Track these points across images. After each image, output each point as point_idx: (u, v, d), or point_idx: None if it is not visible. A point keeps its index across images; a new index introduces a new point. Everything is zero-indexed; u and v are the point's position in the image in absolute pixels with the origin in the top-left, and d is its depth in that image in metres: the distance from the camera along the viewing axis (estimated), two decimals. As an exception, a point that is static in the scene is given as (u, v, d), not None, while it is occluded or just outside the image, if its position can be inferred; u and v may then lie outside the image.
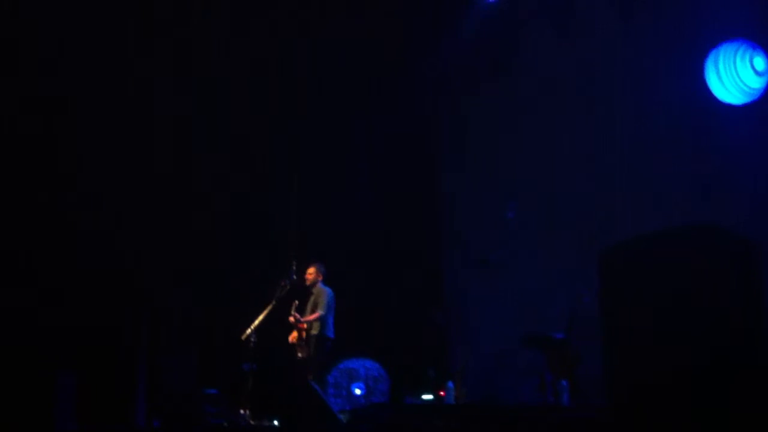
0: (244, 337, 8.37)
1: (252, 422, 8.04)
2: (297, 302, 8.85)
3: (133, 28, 9.31)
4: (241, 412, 8.22)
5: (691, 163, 8.27)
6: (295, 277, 8.81)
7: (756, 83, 7.87)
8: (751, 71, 7.88)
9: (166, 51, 9.53)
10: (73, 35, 8.99)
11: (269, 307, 8.45)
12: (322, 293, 8.86)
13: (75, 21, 9.00)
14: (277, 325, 8.78)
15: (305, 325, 8.72)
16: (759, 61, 7.83)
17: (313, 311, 8.78)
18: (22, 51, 8.85)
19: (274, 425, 7.99)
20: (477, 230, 10.11)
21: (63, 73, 9.00)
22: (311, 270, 8.99)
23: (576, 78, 9.55)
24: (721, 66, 8.05)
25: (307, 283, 8.97)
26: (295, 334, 8.82)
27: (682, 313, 3.44)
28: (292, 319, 8.72)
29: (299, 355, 8.78)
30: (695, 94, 8.26)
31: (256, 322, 8.37)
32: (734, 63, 7.98)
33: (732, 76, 8.00)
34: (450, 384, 8.64)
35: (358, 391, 9.59)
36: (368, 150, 11.49)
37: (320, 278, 9.02)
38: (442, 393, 8.79)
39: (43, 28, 8.92)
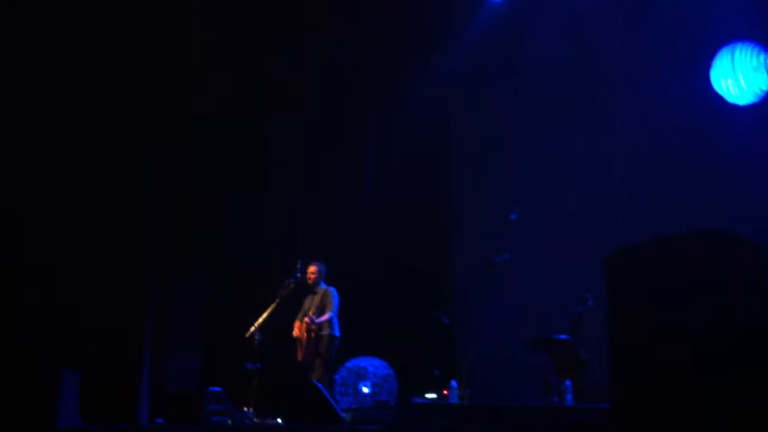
0: (248, 335, 8.38)
1: (256, 420, 8.04)
2: (308, 308, 8.91)
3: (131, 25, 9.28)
4: (245, 410, 8.23)
5: (696, 165, 8.23)
6: (299, 275, 8.82)
7: (765, 85, 7.84)
8: (765, 73, 7.84)
9: (165, 50, 9.50)
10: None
11: (273, 306, 8.46)
12: (329, 294, 8.89)
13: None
14: (282, 324, 8.79)
15: (315, 327, 8.74)
16: (771, 64, 7.80)
17: (320, 311, 8.79)
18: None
19: (278, 424, 7.98)
20: (482, 231, 10.08)
21: (63, 74, 8.97)
22: (313, 269, 8.99)
23: (581, 80, 9.52)
24: (737, 65, 7.99)
25: (310, 282, 8.99)
26: (298, 326, 8.84)
27: (689, 317, 3.42)
28: (307, 320, 8.73)
29: (300, 356, 8.80)
30: (701, 96, 8.22)
31: (260, 320, 8.38)
32: (750, 63, 7.94)
33: (747, 77, 7.95)
34: (454, 383, 8.63)
35: (365, 390, 9.59)
36: (373, 150, 11.48)
37: (322, 277, 9.03)
38: (445, 392, 8.79)
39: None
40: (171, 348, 9.58)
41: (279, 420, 8.03)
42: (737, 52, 8.05)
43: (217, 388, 8.78)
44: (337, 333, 8.81)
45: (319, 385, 7.78)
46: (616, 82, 9.17)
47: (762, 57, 7.91)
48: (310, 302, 8.97)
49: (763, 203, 7.52)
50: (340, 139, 11.12)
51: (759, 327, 3.35)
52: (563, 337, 8.15)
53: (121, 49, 9.12)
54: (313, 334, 8.73)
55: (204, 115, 9.95)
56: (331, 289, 8.94)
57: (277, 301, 8.52)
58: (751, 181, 7.72)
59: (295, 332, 8.88)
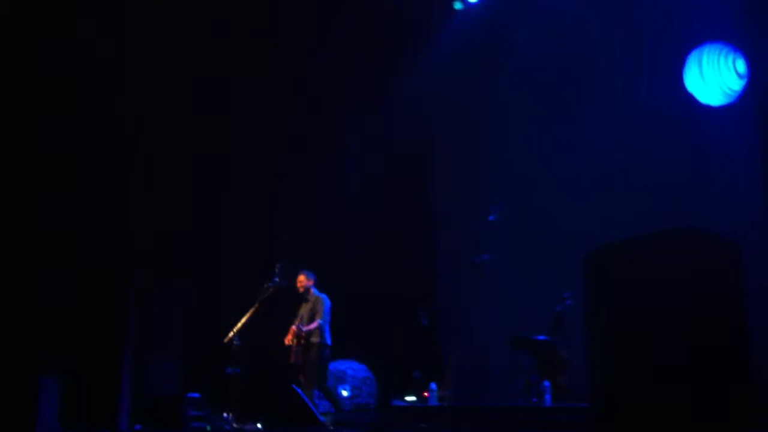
0: (226, 340, 8.33)
1: (236, 426, 8.01)
2: (303, 315, 8.86)
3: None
4: (225, 415, 8.19)
5: (672, 164, 8.32)
6: (277, 279, 8.74)
7: (736, 85, 7.94)
8: (734, 73, 7.95)
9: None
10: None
11: (252, 310, 8.42)
12: (320, 301, 8.76)
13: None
14: (262, 328, 8.74)
15: (304, 334, 8.67)
16: (741, 64, 7.90)
17: (311, 319, 8.72)
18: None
19: (258, 428, 7.96)
20: (466, 232, 10.12)
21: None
22: (301, 278, 8.88)
23: (560, 81, 9.61)
24: (705, 66, 8.11)
25: (300, 290, 8.89)
26: (291, 336, 8.77)
27: (667, 314, 3.46)
28: (294, 328, 8.66)
29: (292, 359, 8.73)
30: (678, 97, 8.32)
31: (239, 324, 8.33)
32: (718, 64, 8.05)
33: (715, 77, 8.07)
34: (433, 385, 8.65)
35: (344, 393, 9.57)
36: (360, 152, 11.51)
37: (311, 284, 8.94)
38: (426, 394, 8.81)
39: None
40: (153, 352, 9.51)
41: (258, 425, 8.01)
42: (707, 54, 8.17)
43: (197, 394, 8.76)
44: (328, 341, 8.65)
45: (298, 389, 7.76)
46: (593, 83, 9.25)
47: (731, 58, 8.02)
48: (305, 309, 8.89)
49: (738, 201, 7.61)
50: (324, 141, 11.12)
51: (736, 323, 3.40)
52: (542, 338, 8.21)
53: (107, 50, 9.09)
54: (302, 341, 8.65)
55: (189, 118, 9.90)
56: (323, 297, 8.82)
57: (256, 305, 8.47)
58: (725, 180, 7.82)
59: (288, 338, 8.80)
